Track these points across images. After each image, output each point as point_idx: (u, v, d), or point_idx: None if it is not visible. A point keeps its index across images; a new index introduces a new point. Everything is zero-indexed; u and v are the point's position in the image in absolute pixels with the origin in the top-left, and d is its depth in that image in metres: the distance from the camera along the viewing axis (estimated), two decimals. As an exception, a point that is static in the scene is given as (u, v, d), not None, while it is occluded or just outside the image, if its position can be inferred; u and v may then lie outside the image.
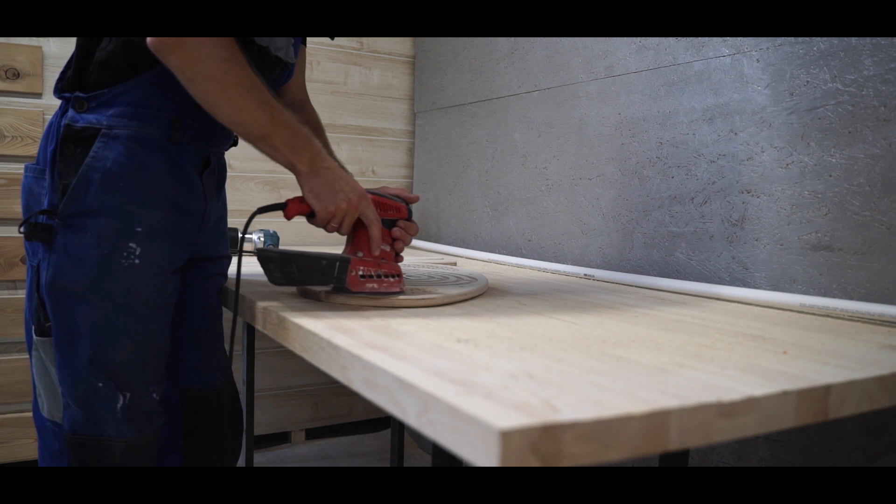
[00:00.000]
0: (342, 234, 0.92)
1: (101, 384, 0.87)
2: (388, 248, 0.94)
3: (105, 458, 0.88)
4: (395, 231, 0.96)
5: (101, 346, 0.87)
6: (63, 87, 0.90)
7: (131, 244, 0.87)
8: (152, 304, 0.91)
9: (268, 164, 1.97)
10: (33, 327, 0.92)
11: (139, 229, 0.88)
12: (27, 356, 1.67)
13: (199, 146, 0.94)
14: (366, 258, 0.90)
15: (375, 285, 0.89)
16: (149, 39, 0.79)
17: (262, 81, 0.84)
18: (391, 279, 0.91)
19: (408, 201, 0.99)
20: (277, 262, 0.84)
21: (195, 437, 1.05)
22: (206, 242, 1.02)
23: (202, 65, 0.80)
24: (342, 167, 0.94)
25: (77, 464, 0.89)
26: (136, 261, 0.88)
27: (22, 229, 0.87)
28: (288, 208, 0.89)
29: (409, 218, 0.99)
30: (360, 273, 0.88)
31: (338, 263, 0.85)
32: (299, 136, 0.87)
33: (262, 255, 0.85)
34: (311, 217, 0.90)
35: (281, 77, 1.04)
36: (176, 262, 0.94)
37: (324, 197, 0.88)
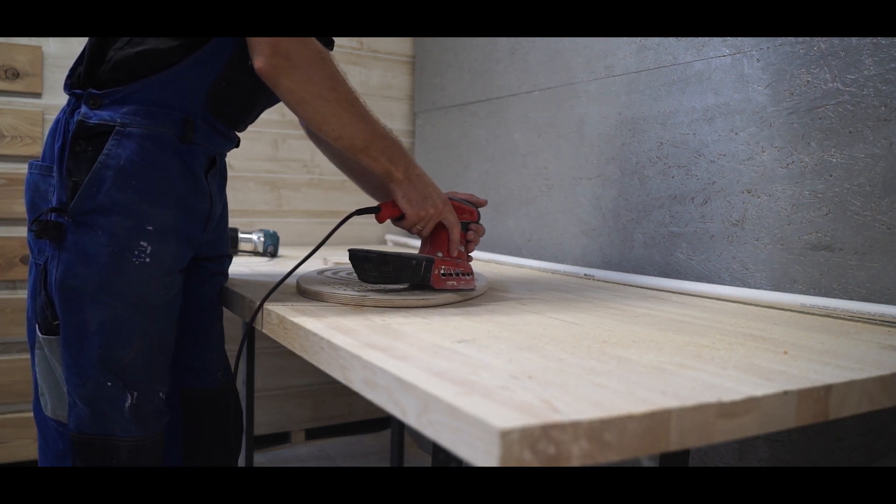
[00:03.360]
0: (423, 235, 1.00)
1: (109, 383, 0.87)
2: (462, 249, 1.02)
3: (111, 458, 0.88)
4: (469, 234, 1.04)
5: (110, 345, 0.86)
6: (73, 83, 0.89)
7: (142, 243, 0.87)
8: (160, 303, 0.90)
9: (267, 164, 1.98)
10: (38, 326, 0.91)
11: (150, 228, 0.87)
12: (27, 356, 1.67)
13: (208, 147, 0.94)
14: (445, 258, 0.98)
15: (455, 283, 0.95)
16: (257, 65, 0.82)
17: (358, 95, 0.90)
18: (467, 277, 0.98)
19: (477, 205, 1.07)
20: (376, 262, 0.90)
21: (195, 437, 1.05)
22: (208, 242, 1.02)
23: (313, 85, 0.84)
24: None
25: (82, 463, 0.88)
26: (147, 259, 0.87)
27: (33, 227, 0.86)
28: (381, 212, 0.96)
29: (478, 220, 1.06)
30: (442, 272, 0.94)
31: (424, 263, 0.92)
32: (394, 146, 0.94)
33: (360, 255, 0.91)
34: (398, 220, 0.97)
35: None
36: (182, 262, 0.94)
37: (416, 203, 0.94)
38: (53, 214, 0.85)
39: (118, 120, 0.85)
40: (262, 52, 0.81)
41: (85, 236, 0.85)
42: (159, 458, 0.94)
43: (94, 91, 0.86)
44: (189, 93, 0.89)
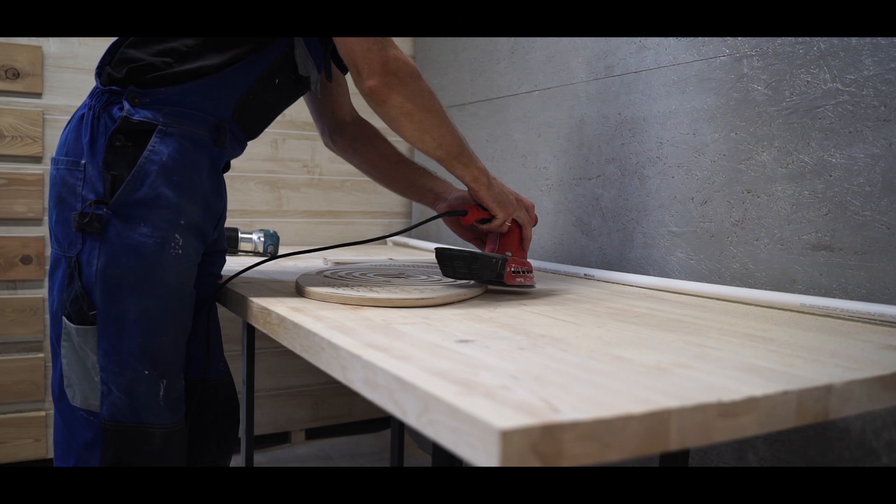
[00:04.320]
0: (502, 232, 1.07)
1: (146, 371, 0.90)
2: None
3: (144, 445, 0.91)
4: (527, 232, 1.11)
5: (148, 334, 0.90)
6: (110, 80, 0.91)
7: (177, 235, 0.91)
8: (188, 291, 0.95)
9: (267, 164, 1.98)
10: (67, 317, 0.92)
11: (182, 222, 0.92)
12: (28, 356, 1.68)
13: (231, 151, 1.01)
14: (514, 256, 1.04)
15: (522, 279, 1.02)
16: (370, 84, 0.87)
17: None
18: (530, 275, 1.04)
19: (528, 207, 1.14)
20: (466, 260, 0.96)
21: (191, 430, 1.06)
22: (214, 239, 1.06)
23: (420, 98, 0.90)
24: None
25: (114, 452, 0.90)
26: (180, 251, 0.92)
27: (72, 220, 0.88)
28: (468, 215, 1.03)
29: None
30: (513, 269, 0.99)
31: (500, 261, 0.97)
32: (473, 153, 0.99)
33: (449, 254, 0.97)
34: (483, 221, 1.05)
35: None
36: (199, 256, 0.98)
37: (504, 204, 1.03)
38: (95, 207, 0.88)
39: (161, 119, 0.90)
40: (375, 72, 0.86)
41: (128, 228, 0.88)
42: (185, 445, 0.97)
43: (135, 89, 0.89)
44: (222, 101, 0.94)
